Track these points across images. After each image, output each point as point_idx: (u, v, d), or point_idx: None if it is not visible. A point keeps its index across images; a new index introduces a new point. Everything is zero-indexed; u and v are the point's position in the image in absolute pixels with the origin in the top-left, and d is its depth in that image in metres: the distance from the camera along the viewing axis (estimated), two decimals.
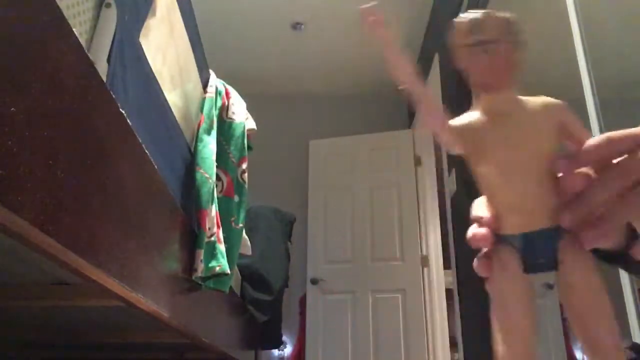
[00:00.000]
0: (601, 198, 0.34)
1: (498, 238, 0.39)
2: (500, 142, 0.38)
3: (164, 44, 1.24)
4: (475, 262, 0.41)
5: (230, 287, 1.58)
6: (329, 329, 3.36)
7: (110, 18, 0.92)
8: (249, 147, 1.74)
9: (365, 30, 0.41)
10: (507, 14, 0.39)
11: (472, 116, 0.40)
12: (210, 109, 1.55)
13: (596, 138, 0.35)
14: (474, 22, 0.39)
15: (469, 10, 0.39)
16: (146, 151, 0.91)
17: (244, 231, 1.67)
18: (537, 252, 0.38)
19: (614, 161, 0.34)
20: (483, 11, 0.39)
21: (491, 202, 0.39)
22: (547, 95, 0.41)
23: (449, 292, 3.16)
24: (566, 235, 0.37)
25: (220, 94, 1.68)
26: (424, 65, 3.49)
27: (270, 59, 3.86)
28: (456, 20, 0.39)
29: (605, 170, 0.34)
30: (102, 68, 0.87)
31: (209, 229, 1.30)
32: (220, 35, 3.51)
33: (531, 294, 0.38)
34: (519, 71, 0.39)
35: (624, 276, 1.29)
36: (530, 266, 0.38)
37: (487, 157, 0.38)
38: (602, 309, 0.36)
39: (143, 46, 1.07)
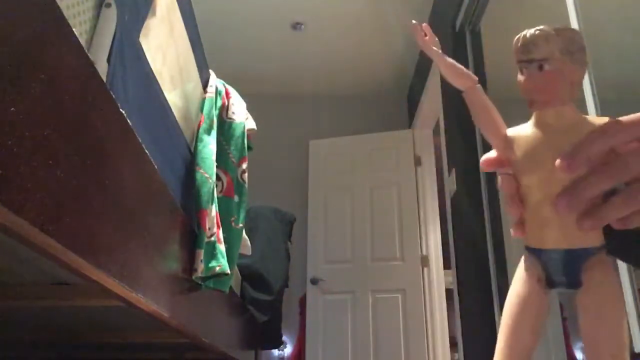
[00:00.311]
0: (600, 189, 0.33)
1: (528, 250, 0.39)
2: (547, 156, 0.37)
3: (164, 44, 1.24)
4: (499, 181, 0.41)
5: (230, 287, 1.58)
6: (329, 329, 3.36)
7: (110, 18, 0.92)
8: (249, 147, 1.74)
9: (418, 45, 0.42)
10: (568, 30, 0.39)
11: (526, 128, 0.40)
12: (210, 109, 1.55)
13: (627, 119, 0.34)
14: (528, 39, 0.39)
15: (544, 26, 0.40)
16: (146, 151, 0.91)
17: (244, 231, 1.67)
18: (562, 269, 0.38)
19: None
20: (542, 28, 0.39)
21: (529, 213, 0.40)
22: None
23: (449, 292, 3.16)
24: (593, 259, 0.37)
25: (220, 94, 1.68)
26: (423, 65, 3.49)
27: (270, 59, 3.86)
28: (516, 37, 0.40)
29: (611, 161, 0.33)
30: (102, 68, 0.87)
31: (209, 229, 1.30)
32: (220, 35, 3.51)
33: (542, 308, 0.39)
34: (575, 87, 0.39)
35: (624, 277, 1.29)
36: (552, 281, 0.39)
37: (533, 169, 0.39)
38: (612, 339, 0.36)
39: (143, 46, 1.07)
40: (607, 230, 0.37)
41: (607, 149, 0.33)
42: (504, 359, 0.40)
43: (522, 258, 0.41)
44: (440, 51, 0.43)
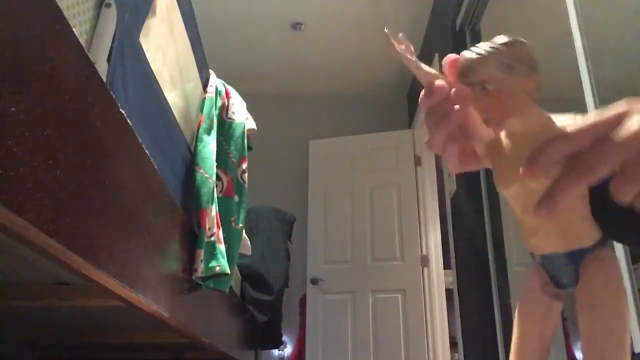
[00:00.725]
0: (573, 189, 0.33)
1: (531, 256, 0.40)
2: (519, 166, 0.37)
3: (164, 44, 1.24)
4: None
5: (230, 287, 1.58)
6: (329, 329, 3.36)
7: (110, 18, 0.92)
8: (249, 147, 1.74)
9: (391, 54, 0.40)
10: (504, 45, 0.38)
11: (499, 138, 0.40)
12: (210, 109, 1.55)
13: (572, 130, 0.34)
14: (466, 63, 0.39)
15: (477, 46, 0.39)
16: (146, 151, 0.91)
17: (244, 231, 1.67)
18: (565, 270, 0.38)
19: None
20: (476, 49, 0.39)
21: (519, 223, 0.40)
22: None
23: (449, 292, 3.16)
24: (590, 256, 0.37)
25: (220, 94, 1.68)
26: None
27: (270, 59, 3.86)
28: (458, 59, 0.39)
29: (577, 161, 0.33)
30: (102, 68, 0.87)
31: (209, 229, 1.30)
32: (220, 35, 3.51)
33: (549, 312, 0.39)
34: (532, 93, 0.38)
35: (625, 277, 1.29)
36: (559, 283, 0.39)
37: (508, 181, 0.38)
38: (608, 334, 0.36)
39: (143, 46, 1.07)
40: (601, 215, 0.37)
41: (568, 151, 0.33)
42: None
43: (529, 265, 0.41)
44: (413, 58, 0.41)
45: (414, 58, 0.39)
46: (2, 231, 0.52)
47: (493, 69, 0.38)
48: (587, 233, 0.38)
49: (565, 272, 0.38)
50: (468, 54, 0.39)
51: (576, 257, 0.38)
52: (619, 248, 1.30)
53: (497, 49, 0.38)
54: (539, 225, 0.38)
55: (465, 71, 0.38)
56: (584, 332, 0.36)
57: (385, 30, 0.39)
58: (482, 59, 0.38)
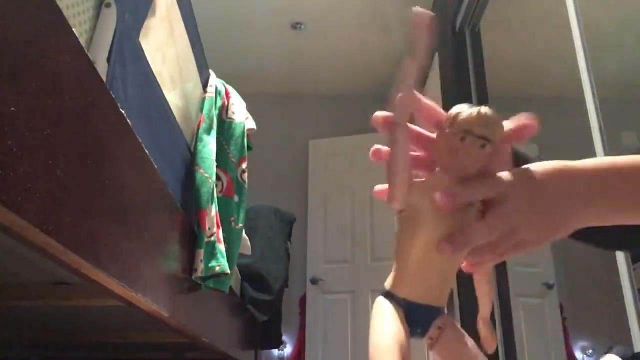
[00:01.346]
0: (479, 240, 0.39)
1: (391, 296, 0.42)
2: (434, 220, 0.40)
3: (164, 44, 1.24)
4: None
5: (230, 287, 1.58)
6: (329, 329, 3.36)
7: (110, 18, 0.92)
8: (249, 147, 1.73)
9: (413, 30, 0.40)
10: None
11: (425, 185, 0.41)
12: (210, 109, 1.55)
13: None
14: (496, 118, 0.40)
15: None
16: (146, 151, 0.91)
17: (244, 231, 1.67)
18: (416, 321, 0.42)
19: None
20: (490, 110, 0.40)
21: (401, 262, 0.42)
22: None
23: None
24: (440, 318, 0.42)
25: (220, 94, 1.68)
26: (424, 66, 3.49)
27: (270, 59, 3.85)
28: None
29: (490, 216, 0.39)
30: (102, 68, 0.87)
31: (209, 229, 1.30)
32: (220, 35, 3.50)
33: (409, 350, 0.41)
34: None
35: (624, 276, 1.29)
36: (410, 330, 0.42)
37: (417, 227, 0.40)
38: None
39: (143, 46, 1.07)
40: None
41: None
42: None
43: (382, 300, 0.42)
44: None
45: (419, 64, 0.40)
46: (2, 231, 0.52)
47: (500, 136, 0.40)
48: (448, 296, 0.43)
49: (421, 323, 0.42)
50: (492, 112, 0.40)
51: (434, 313, 0.42)
52: None
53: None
54: (428, 277, 0.41)
55: (490, 124, 0.39)
56: None
57: (415, 9, 0.39)
58: (501, 124, 0.40)
